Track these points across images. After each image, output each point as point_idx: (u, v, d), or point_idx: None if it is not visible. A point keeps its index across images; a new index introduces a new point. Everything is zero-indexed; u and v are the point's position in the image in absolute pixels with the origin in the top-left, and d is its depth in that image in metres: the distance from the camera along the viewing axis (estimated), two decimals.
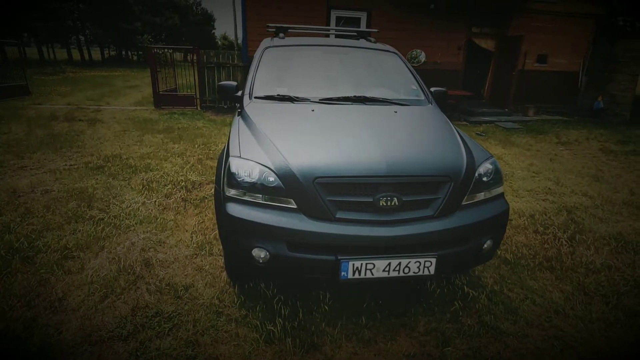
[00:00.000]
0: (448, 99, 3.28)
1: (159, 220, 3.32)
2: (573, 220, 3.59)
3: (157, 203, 3.67)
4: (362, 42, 3.54)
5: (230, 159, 2.03)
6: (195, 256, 2.78)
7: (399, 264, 1.85)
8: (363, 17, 9.94)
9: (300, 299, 2.27)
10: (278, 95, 2.74)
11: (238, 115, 2.68)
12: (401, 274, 1.87)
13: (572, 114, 11.18)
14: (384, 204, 1.84)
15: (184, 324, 2.09)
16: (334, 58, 3.25)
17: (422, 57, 10.01)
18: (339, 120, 2.39)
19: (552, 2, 9.42)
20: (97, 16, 28.61)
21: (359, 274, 1.85)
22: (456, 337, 2.06)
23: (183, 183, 4.19)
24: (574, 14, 10.65)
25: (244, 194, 1.96)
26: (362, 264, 1.83)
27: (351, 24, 9.88)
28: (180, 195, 3.86)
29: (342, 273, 1.83)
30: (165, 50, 10.32)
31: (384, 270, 1.86)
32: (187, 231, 3.17)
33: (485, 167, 2.12)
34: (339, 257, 1.81)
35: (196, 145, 5.95)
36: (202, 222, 3.33)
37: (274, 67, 3.04)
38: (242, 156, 2.02)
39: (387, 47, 3.49)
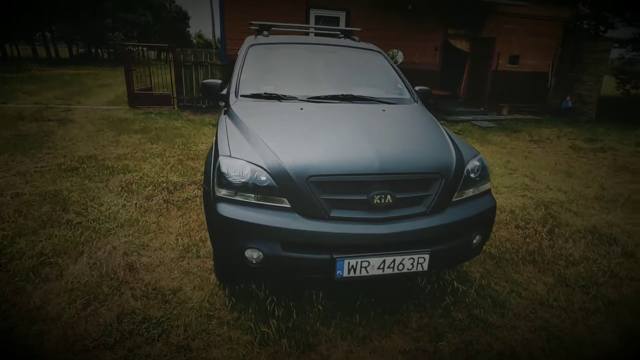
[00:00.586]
0: (432, 98, 3.33)
1: (141, 222, 3.20)
2: (550, 215, 3.73)
3: (137, 205, 3.55)
4: (347, 41, 3.54)
5: (220, 158, 1.98)
6: (181, 259, 2.70)
7: (394, 261, 1.86)
8: (342, 16, 9.97)
9: (293, 299, 2.25)
10: (265, 93, 2.70)
11: (224, 114, 2.62)
12: (395, 270, 1.88)
13: (543, 112, 11.63)
14: (378, 201, 1.85)
15: (174, 328, 2.02)
16: (319, 56, 3.23)
17: (400, 58, 10.15)
18: (329, 118, 2.38)
19: (522, 5, 9.75)
20: (64, 11, 27.39)
21: (354, 272, 1.84)
22: (448, 332, 2.09)
23: (164, 184, 4.07)
24: (543, 17, 11.08)
25: (235, 194, 1.92)
26: (357, 262, 1.82)
27: (330, 23, 9.89)
28: (162, 197, 3.75)
29: (338, 272, 1.82)
30: (140, 48, 10.01)
31: (378, 268, 1.86)
32: (171, 233, 3.08)
33: (473, 164, 2.17)
34: (335, 256, 1.80)
35: (175, 146, 5.80)
36: (187, 224, 3.24)
37: (259, 65, 2.99)
38: (232, 155, 1.98)
39: (372, 46, 3.51)
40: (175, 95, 9.53)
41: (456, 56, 11.26)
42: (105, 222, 3.19)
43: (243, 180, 1.89)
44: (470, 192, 2.13)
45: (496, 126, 9.20)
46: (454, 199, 2.04)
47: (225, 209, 1.89)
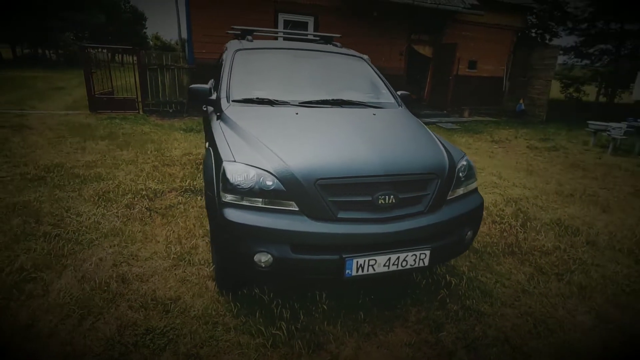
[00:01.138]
0: (412, 101, 3.50)
1: (126, 232, 3.09)
2: (520, 210, 4.03)
3: (119, 214, 3.41)
4: (330, 47, 3.63)
5: (225, 164, 1.98)
6: (175, 267, 2.65)
7: (398, 258, 1.95)
8: (310, 21, 10.09)
9: (297, 301, 2.28)
10: (257, 98, 2.72)
11: (217, 119, 2.61)
12: (400, 267, 1.98)
13: (500, 115, 12.40)
14: (383, 201, 1.94)
15: (180, 337, 1.99)
16: (305, 62, 3.29)
17: None
18: (325, 123, 2.45)
19: (480, 14, 10.37)
20: (4, 8, 25.36)
21: (362, 271, 1.92)
22: (446, 323, 2.22)
23: (144, 192, 3.93)
24: (497, 25, 11.84)
25: (242, 199, 1.93)
26: (364, 260, 1.90)
27: (299, 27, 9.98)
28: (144, 205, 3.63)
29: (347, 271, 1.89)
30: (100, 49, 9.54)
31: (384, 265, 1.95)
32: (159, 242, 3.00)
33: (461, 164, 2.32)
34: (344, 256, 1.87)
35: (148, 152, 5.60)
36: (174, 231, 3.17)
37: (247, 70, 3.00)
38: (237, 160, 1.99)
39: (354, 52, 3.63)
40: (140, 99, 9.17)
41: (420, 61, 11.74)
42: (87, 232, 3.05)
43: (250, 185, 1.91)
44: (461, 191, 2.28)
45: (460, 128, 9.70)
46: (448, 198, 2.18)
47: (232, 214, 1.90)
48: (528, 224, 3.63)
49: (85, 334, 2.00)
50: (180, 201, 3.80)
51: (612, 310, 2.44)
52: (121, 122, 7.83)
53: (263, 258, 1.88)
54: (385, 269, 1.96)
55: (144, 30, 44.67)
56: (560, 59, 16.76)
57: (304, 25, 10.06)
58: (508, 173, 5.69)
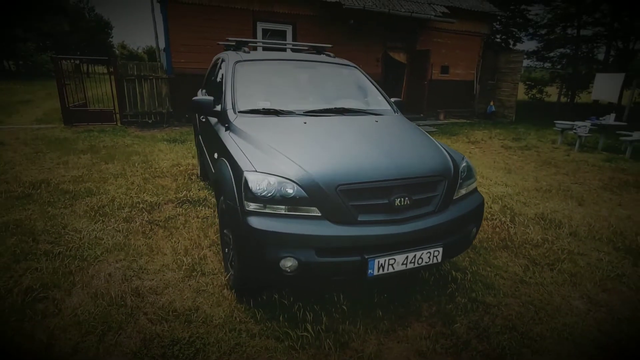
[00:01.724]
0: (404, 108, 3.66)
1: (130, 246, 3.06)
2: (506, 207, 4.28)
3: (119, 228, 3.36)
4: (324, 57, 3.75)
5: (246, 174, 2.05)
6: (188, 278, 2.66)
7: (415, 256, 2.08)
8: (288, 30, 10.22)
9: (316, 304, 2.36)
10: (263, 109, 2.79)
11: (226, 131, 2.66)
12: (416, 265, 2.10)
13: (472, 116, 12.96)
14: (399, 203, 2.06)
15: (208, 346, 2.02)
16: (304, 72, 3.40)
17: None
18: (334, 131, 2.56)
19: (451, 22, 10.85)
20: None
21: (383, 270, 2.02)
22: (457, 315, 2.36)
23: (141, 205, 3.89)
24: (466, 32, 12.41)
25: (264, 207, 2.00)
26: (385, 260, 2.01)
27: (277, 36, 10.09)
28: (145, 218, 3.59)
29: (369, 271, 1.99)
30: (73, 60, 9.24)
31: (402, 264, 2.06)
32: (166, 254, 2.99)
33: (463, 166, 2.49)
34: (366, 257, 1.97)
35: (136, 164, 5.50)
36: (179, 243, 3.17)
37: (250, 82, 3.07)
38: (258, 170, 2.06)
39: (347, 61, 3.76)
40: (117, 110, 8.96)
41: (395, 67, 12.11)
42: (90, 248, 2.99)
43: (272, 193, 1.98)
44: (463, 191, 2.44)
45: (437, 130, 10.07)
46: (454, 197, 2.33)
47: (258, 222, 1.96)
48: (516, 219, 3.87)
49: (110, 349, 1.99)
50: (179, 212, 3.79)
51: (602, 294, 2.67)
52: (100, 135, 7.62)
53: (288, 263, 1.95)
54: (404, 267, 2.07)
55: (110, 39, 43.38)
56: (524, 62, 17.68)
57: (282, 34, 10.18)
58: (488, 172, 5.99)
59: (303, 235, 1.93)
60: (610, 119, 8.40)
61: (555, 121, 8.86)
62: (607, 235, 3.59)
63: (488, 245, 3.29)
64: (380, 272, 2.02)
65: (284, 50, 4.42)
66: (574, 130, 8.17)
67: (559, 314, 2.43)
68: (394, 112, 3.26)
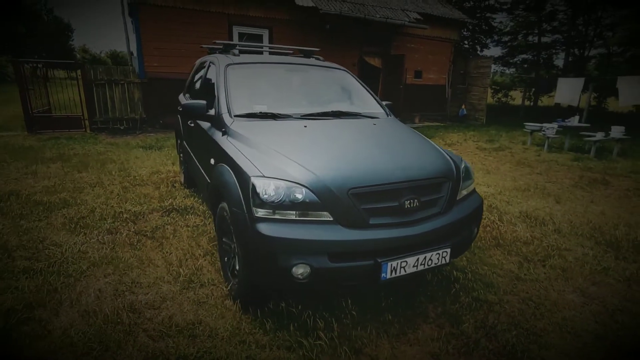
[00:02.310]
0: (394, 111, 3.70)
1: (118, 259, 2.88)
2: (492, 206, 4.41)
3: (103, 240, 3.17)
4: (313, 60, 3.73)
5: (253, 179, 1.98)
6: (185, 290, 2.53)
7: (425, 257, 2.08)
8: (265, 34, 10.15)
9: (324, 310, 2.31)
10: (260, 113, 2.72)
11: (223, 135, 2.57)
12: (426, 266, 2.11)
13: (445, 120, 13.35)
14: (409, 205, 2.06)
15: None
16: (296, 75, 3.36)
17: None
18: (336, 134, 2.53)
19: (424, 28, 11.16)
20: None
21: (395, 273, 2.01)
22: (463, 315, 2.38)
23: (124, 215, 3.69)
24: (438, 38, 12.80)
25: (274, 213, 1.94)
26: (397, 263, 2.00)
27: (254, 39, 9.98)
28: (130, 229, 3.40)
29: (382, 274, 1.97)
30: (35, 64, 8.72)
31: (413, 266, 2.06)
32: (158, 266, 2.84)
33: (462, 167, 2.53)
34: (380, 260, 1.95)
35: (113, 173, 5.24)
36: (170, 253, 3.02)
37: (243, 85, 2.99)
38: (265, 175, 2.00)
39: (337, 65, 3.76)
40: (86, 116, 8.52)
41: (371, 71, 12.28)
42: (74, 263, 2.80)
43: (282, 198, 1.93)
44: (464, 192, 2.48)
45: None
46: (457, 198, 2.36)
47: (267, 229, 1.90)
48: (503, 217, 3.99)
49: None
50: (166, 222, 3.62)
51: (592, 287, 2.79)
52: (68, 143, 7.22)
53: (300, 270, 1.90)
54: (415, 269, 2.07)
55: (71, 42, 41.42)
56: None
57: (258, 38, 10.08)
58: None
59: (316, 241, 1.89)
60: (574, 121, 8.90)
61: (524, 123, 9.28)
62: (588, 231, 3.76)
63: (482, 245, 3.36)
64: (393, 275, 2.00)
65: (273, 53, 4.34)
66: (543, 132, 8.58)
67: (557, 309, 2.51)
68: (387, 115, 3.28)
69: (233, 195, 2.10)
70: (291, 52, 4.31)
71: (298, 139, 2.40)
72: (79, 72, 8.48)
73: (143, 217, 3.75)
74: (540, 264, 3.07)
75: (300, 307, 2.29)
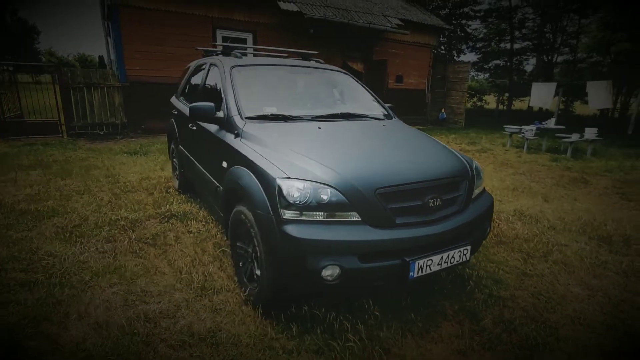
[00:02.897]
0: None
1: (122, 267, 2.76)
2: None
3: (103, 249, 3.03)
4: (314, 63, 3.72)
5: (279, 181, 1.95)
6: (199, 298, 2.45)
7: (448, 255, 2.11)
8: (249, 37, 10.07)
9: (347, 312, 2.29)
10: (272, 115, 2.69)
11: (236, 137, 2.52)
12: (449, 264, 2.13)
13: (426, 123, 13.65)
14: (432, 204, 2.08)
15: None
16: (300, 77, 3.35)
17: None
18: (351, 135, 2.54)
19: (405, 34, 11.40)
20: None
21: (422, 271, 2.02)
22: (480, 311, 2.42)
23: (121, 222, 3.54)
24: (417, 43, 13.11)
25: (301, 215, 1.92)
26: (424, 261, 2.01)
27: (238, 43, 9.87)
28: (130, 237, 3.27)
29: (410, 273, 1.98)
30: (7, 68, 8.28)
31: (438, 264, 2.08)
32: (165, 274, 2.74)
33: (474, 167, 2.59)
34: (407, 259, 1.96)
35: (100, 179, 5.02)
36: (176, 260, 2.92)
37: (251, 87, 2.95)
38: (291, 176, 1.97)
39: (339, 68, 3.78)
40: (63, 122, 8.15)
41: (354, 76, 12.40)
42: (75, 274, 2.65)
43: (309, 199, 1.91)
44: (477, 191, 2.54)
45: None
46: (472, 197, 2.41)
47: (296, 230, 1.87)
48: (501, 216, 4.11)
49: None
50: (166, 228, 3.50)
51: (594, 280, 2.90)
52: (46, 149, 6.88)
53: (330, 272, 1.88)
54: (439, 267, 2.09)
55: (36, 44, 39.64)
56: None
57: (242, 42, 9.99)
58: None
59: (346, 242, 1.88)
60: (551, 123, 9.31)
61: (504, 126, 9.62)
62: (579, 227, 3.93)
63: (485, 242, 3.44)
64: (420, 273, 2.02)
65: (271, 56, 4.29)
66: (522, 134, 8.93)
67: (566, 302, 2.60)
68: (392, 117, 3.31)
69: (256, 198, 2.05)
70: (286, 55, 4.29)
71: (316, 140, 2.39)
72: (47, 76, 8.12)
73: (140, 224, 3.61)
74: (542, 260, 3.18)
75: (323, 309, 2.26)
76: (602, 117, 16.14)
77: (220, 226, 3.52)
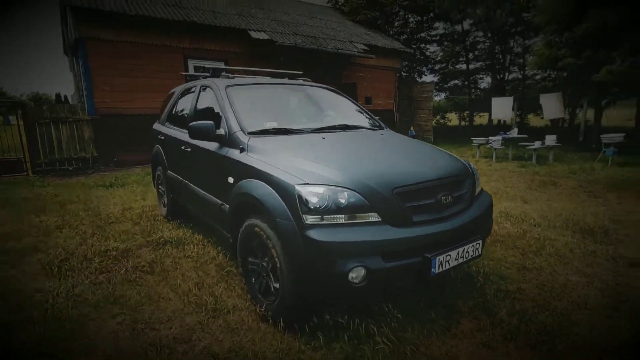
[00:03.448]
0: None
1: (123, 297, 2.60)
2: None
3: (97, 281, 2.85)
4: (302, 81, 3.83)
5: (298, 187, 1.96)
6: (213, 319, 2.35)
7: (464, 250, 2.17)
8: (221, 66, 10.13)
9: (368, 317, 2.27)
10: (274, 129, 2.72)
11: (242, 152, 2.51)
12: (465, 258, 2.20)
13: None
14: (445, 201, 2.16)
15: None
16: (294, 95, 3.43)
17: None
18: (355, 143, 2.61)
19: (371, 57, 11.95)
20: None
21: (442, 267, 2.07)
22: (494, 305, 2.48)
23: (113, 252, 3.36)
24: (383, 67, 13.74)
25: (322, 219, 1.93)
26: (444, 257, 2.06)
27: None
28: (124, 266, 3.10)
29: (432, 269, 2.02)
30: None
31: (455, 259, 2.14)
32: (171, 299, 2.61)
33: (474, 167, 2.72)
34: (428, 256, 2.00)
35: (80, 213, 4.76)
36: (179, 285, 2.80)
37: (247, 105, 2.97)
38: (310, 182, 1.99)
39: (326, 85, 3.90)
40: (28, 159, 7.73)
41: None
42: (73, 308, 2.47)
43: (331, 203, 1.92)
44: (478, 189, 2.65)
45: None
46: (476, 194, 2.53)
47: (320, 235, 1.88)
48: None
49: None
50: (162, 255, 3.35)
51: (587, 268, 3.06)
52: (11, 187, 6.48)
53: (356, 273, 1.88)
54: (456, 262, 2.15)
55: None
56: None
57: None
58: None
59: (370, 242, 1.90)
60: (514, 133, 9.93)
61: (472, 138, 10.14)
62: (562, 223, 4.16)
63: None
64: (440, 269, 2.06)
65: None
66: (490, 144, 9.45)
67: (568, 289, 2.72)
68: (384, 127, 3.44)
69: (275, 207, 2.04)
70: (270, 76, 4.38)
71: (324, 149, 2.43)
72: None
73: (132, 253, 3.44)
74: (537, 254, 3.32)
75: (346, 317, 2.23)
76: (554, 127, 17.40)
77: (219, 248, 3.43)
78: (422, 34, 19.33)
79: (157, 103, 8.52)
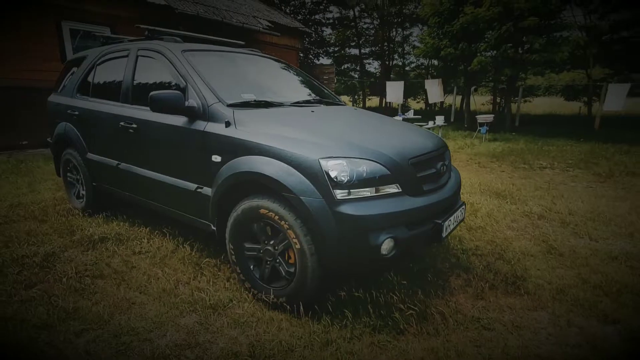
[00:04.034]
0: None
1: (81, 310, 2.08)
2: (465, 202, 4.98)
3: (26, 296, 2.21)
4: (256, 51, 3.53)
5: (322, 161, 1.85)
6: (213, 317, 2.07)
7: (456, 215, 2.36)
8: (106, 32, 8.61)
9: (376, 289, 2.29)
10: (255, 101, 2.46)
11: (228, 126, 2.21)
12: (457, 222, 2.40)
13: None
14: (443, 170, 2.31)
15: None
16: (255, 66, 3.16)
17: None
18: (346, 118, 2.57)
19: (276, 35, 11.65)
20: None
21: (446, 231, 2.22)
22: (468, 263, 2.78)
23: (32, 259, 2.62)
24: (284, 45, 13.56)
25: (349, 193, 1.87)
26: (448, 221, 2.21)
27: (89, 39, 8.35)
28: (62, 272, 2.46)
29: (442, 234, 2.14)
30: None
31: (454, 222, 2.32)
32: (145, 303, 2.20)
33: None
34: (439, 221, 2.11)
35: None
36: (145, 286, 2.38)
37: (214, 73, 2.60)
38: (332, 155, 1.88)
39: (278, 58, 3.67)
40: None
41: None
42: (10, 332, 1.87)
43: (357, 176, 1.87)
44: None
45: None
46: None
47: (353, 209, 1.82)
48: (477, 213, 4.45)
49: None
50: (103, 255, 2.78)
51: (513, 224, 3.66)
52: None
53: (387, 245, 1.89)
54: (454, 225, 2.33)
55: None
56: None
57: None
58: None
59: (398, 212, 1.91)
60: (410, 114, 11.05)
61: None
62: (477, 189, 4.86)
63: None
64: (445, 233, 2.20)
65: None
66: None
67: (509, 242, 3.21)
68: (344, 103, 3.44)
69: (296, 185, 1.86)
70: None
71: (324, 122, 2.32)
72: None
73: (59, 257, 2.76)
74: (474, 216, 3.82)
75: (361, 290, 2.22)
76: (440, 110, 19.97)
77: (179, 239, 3.01)
78: (318, 16, 19.71)
79: (14, 73, 6.77)
